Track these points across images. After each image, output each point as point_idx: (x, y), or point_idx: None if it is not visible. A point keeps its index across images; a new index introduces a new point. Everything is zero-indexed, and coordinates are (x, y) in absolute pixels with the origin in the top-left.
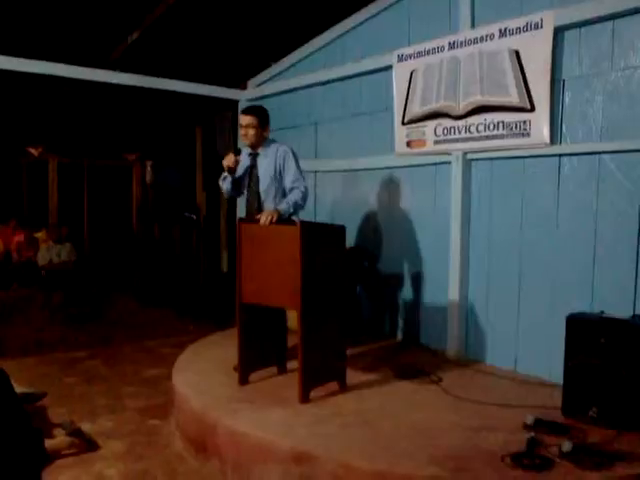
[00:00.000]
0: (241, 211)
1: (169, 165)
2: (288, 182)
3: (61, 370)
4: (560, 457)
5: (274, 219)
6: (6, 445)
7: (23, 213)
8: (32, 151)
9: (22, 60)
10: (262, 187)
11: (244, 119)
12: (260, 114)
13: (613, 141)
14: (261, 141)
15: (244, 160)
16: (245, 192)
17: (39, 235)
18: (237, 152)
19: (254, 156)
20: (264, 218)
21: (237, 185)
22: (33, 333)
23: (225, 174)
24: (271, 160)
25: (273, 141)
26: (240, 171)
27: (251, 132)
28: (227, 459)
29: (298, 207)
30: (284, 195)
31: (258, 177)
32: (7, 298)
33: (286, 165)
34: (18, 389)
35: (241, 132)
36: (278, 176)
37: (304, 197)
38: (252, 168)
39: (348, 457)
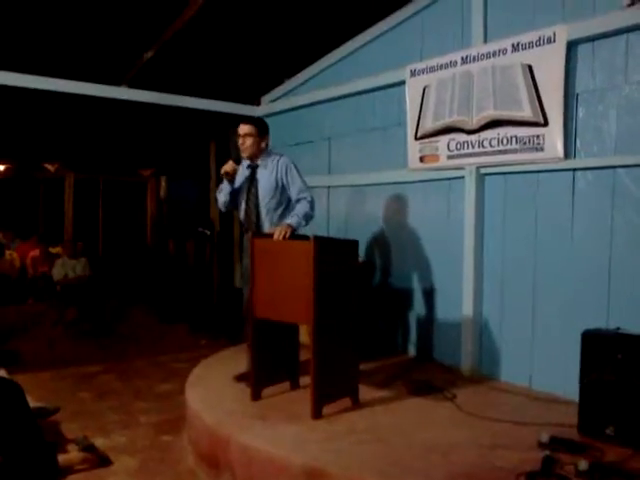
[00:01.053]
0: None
1: (183, 180)
2: (294, 194)
3: (74, 385)
4: (576, 476)
5: (287, 235)
6: (20, 459)
7: (39, 228)
8: (48, 167)
9: (39, 78)
10: (262, 199)
11: (242, 128)
12: (258, 124)
13: (628, 155)
14: (259, 152)
15: (243, 172)
16: (243, 205)
17: (55, 250)
18: (237, 161)
19: (253, 168)
20: (277, 233)
21: (234, 197)
22: (47, 348)
23: (223, 184)
24: (271, 171)
25: (272, 152)
26: (238, 182)
27: (249, 141)
28: (239, 475)
29: (308, 218)
30: (286, 208)
31: (257, 189)
32: (22, 313)
33: (289, 177)
34: (32, 404)
35: (239, 142)
36: (280, 189)
37: (312, 207)
38: (251, 180)
39: (361, 474)
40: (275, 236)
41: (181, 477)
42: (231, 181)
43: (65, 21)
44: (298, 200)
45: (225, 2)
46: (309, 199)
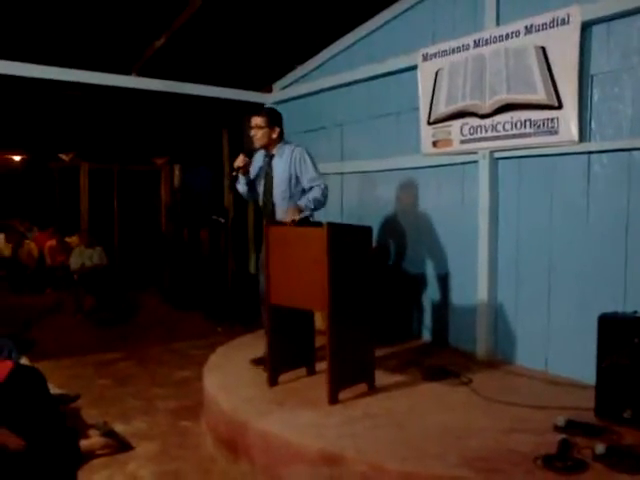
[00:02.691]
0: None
1: (197, 169)
2: (306, 182)
3: (94, 372)
4: (593, 459)
5: (296, 216)
6: (43, 445)
7: (55, 218)
8: (63, 157)
9: (53, 68)
10: (276, 189)
11: (252, 120)
12: (269, 114)
13: None
14: (272, 142)
15: (260, 161)
16: (260, 194)
17: (71, 240)
18: (249, 154)
19: (269, 157)
20: (289, 216)
21: (253, 186)
22: (66, 336)
23: (235, 175)
24: (286, 161)
25: (288, 142)
26: (255, 172)
27: (259, 133)
28: (257, 460)
29: (318, 203)
30: (300, 197)
31: (272, 178)
32: (41, 302)
33: (302, 166)
34: (53, 391)
35: (251, 133)
36: (294, 179)
37: (324, 194)
38: (267, 169)
39: (377, 458)
40: (287, 218)
41: (201, 461)
42: (245, 174)
43: (77, 11)
44: (310, 188)
45: None
46: (322, 187)
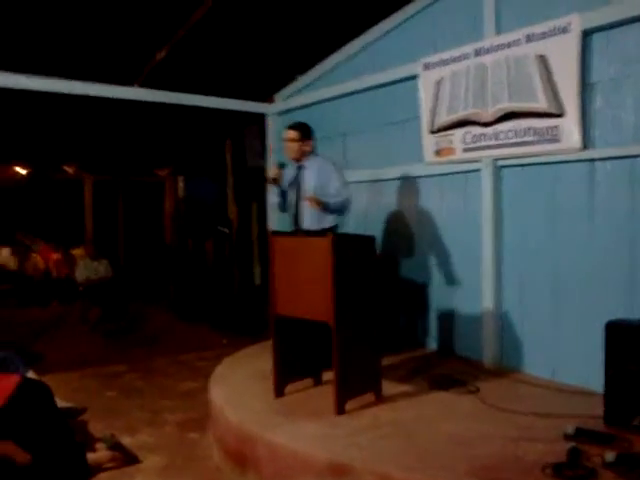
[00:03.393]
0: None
1: (201, 179)
2: (331, 194)
3: (100, 385)
4: (603, 467)
5: (313, 202)
6: (51, 458)
7: (59, 230)
8: (67, 170)
9: (56, 80)
10: (304, 199)
11: (286, 134)
12: (301, 128)
13: None
14: (303, 154)
15: (291, 173)
16: (291, 204)
17: (76, 252)
18: (281, 165)
19: (300, 169)
20: (308, 204)
21: (284, 198)
22: (72, 349)
23: (271, 186)
24: (315, 173)
25: (319, 155)
26: (287, 183)
27: (292, 145)
28: (265, 472)
29: (335, 209)
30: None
31: (301, 189)
32: (47, 315)
33: (329, 178)
34: (60, 404)
35: (284, 146)
36: (320, 190)
37: (343, 204)
38: (297, 180)
39: (385, 468)
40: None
41: (208, 474)
42: (278, 184)
43: (80, 24)
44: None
45: (236, 0)
46: (343, 198)
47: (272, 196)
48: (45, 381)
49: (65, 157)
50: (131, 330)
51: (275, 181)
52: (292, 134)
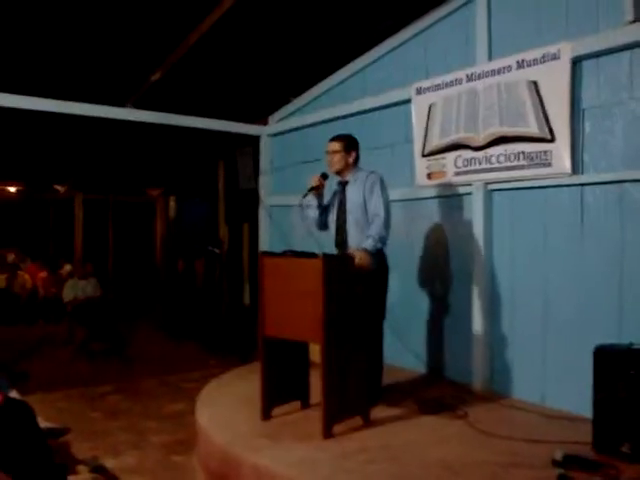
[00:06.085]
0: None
1: (192, 200)
2: (370, 209)
3: (85, 405)
4: None
5: (364, 262)
6: None
7: (49, 249)
8: (58, 188)
9: (48, 101)
10: (350, 216)
11: (329, 146)
12: (344, 139)
13: (636, 169)
14: (347, 167)
15: (333, 188)
16: (333, 222)
17: (63, 271)
18: (324, 176)
19: (343, 184)
20: (357, 260)
21: (323, 214)
22: (57, 368)
23: (308, 198)
24: (360, 187)
25: (362, 169)
26: (327, 199)
27: (335, 158)
28: None
29: (383, 239)
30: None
31: (346, 205)
32: (33, 333)
33: (371, 193)
34: (42, 424)
35: (327, 159)
36: (362, 208)
37: (385, 226)
38: (341, 196)
39: None
40: (356, 261)
41: None
42: (319, 195)
43: (74, 46)
44: (372, 218)
45: (230, 24)
46: (382, 218)
47: (309, 211)
48: (29, 401)
49: (57, 176)
50: (118, 350)
51: (316, 189)
52: (335, 146)
